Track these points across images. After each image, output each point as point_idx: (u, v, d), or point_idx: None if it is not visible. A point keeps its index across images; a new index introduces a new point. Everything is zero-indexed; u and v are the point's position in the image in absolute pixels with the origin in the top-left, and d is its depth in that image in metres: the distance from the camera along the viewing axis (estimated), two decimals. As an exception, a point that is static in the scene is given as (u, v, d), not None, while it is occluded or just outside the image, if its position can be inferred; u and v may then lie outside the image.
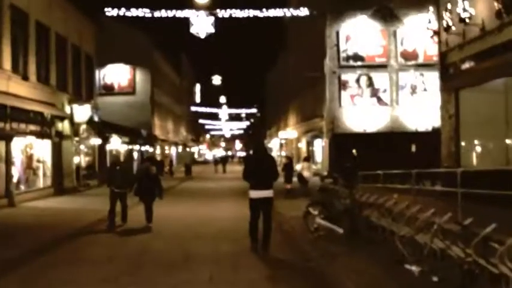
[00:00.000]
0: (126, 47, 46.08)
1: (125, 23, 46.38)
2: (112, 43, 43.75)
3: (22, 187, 20.74)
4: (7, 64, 19.24)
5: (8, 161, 18.86)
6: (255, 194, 9.99)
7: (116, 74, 48.72)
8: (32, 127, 21.28)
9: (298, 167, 22.00)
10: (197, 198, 22.68)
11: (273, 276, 8.33)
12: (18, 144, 20.30)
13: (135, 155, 42.49)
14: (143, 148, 44.73)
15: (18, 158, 20.42)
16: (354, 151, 32.19)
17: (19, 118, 19.87)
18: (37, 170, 22.38)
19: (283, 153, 57.72)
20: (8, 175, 18.83)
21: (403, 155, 29.59)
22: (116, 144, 33.97)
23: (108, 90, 48.28)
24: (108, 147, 33.03)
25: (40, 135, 22.11)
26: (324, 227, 10.63)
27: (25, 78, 20.52)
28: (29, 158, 21.66)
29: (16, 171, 20.07)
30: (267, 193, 9.96)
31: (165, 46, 58.31)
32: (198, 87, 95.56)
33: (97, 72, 45.28)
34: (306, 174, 21.27)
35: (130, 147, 40.15)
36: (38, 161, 22.40)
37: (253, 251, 9.93)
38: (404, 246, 7.63)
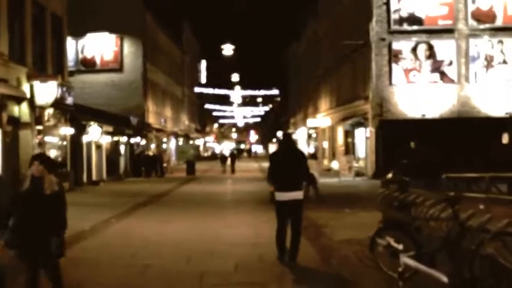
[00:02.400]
0: (111, 10, 43.34)
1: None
2: (93, 5, 41.49)
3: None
4: None
5: None
6: (281, 196, 10.06)
7: (97, 46, 46.07)
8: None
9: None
10: (201, 209, 19.47)
11: None
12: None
13: (122, 148, 39.81)
14: (133, 140, 42.05)
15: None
16: (412, 144, 29.50)
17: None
18: (-19, 171, 19.69)
19: (312, 147, 54.90)
20: None
21: (483, 149, 26.80)
22: (96, 134, 31.29)
23: (88, 66, 45.85)
24: (84, 138, 30.38)
25: (-16, 122, 19.42)
26: (411, 270, 7.69)
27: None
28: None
29: None
30: (296, 195, 10.07)
31: (162, 10, 55.43)
32: (203, 64, 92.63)
33: (74, 43, 43.44)
34: (316, 174, 20.58)
35: (115, 138, 37.50)
36: (-17, 157, 19.72)
37: (280, 262, 9.99)
38: None
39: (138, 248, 11.80)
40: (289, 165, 10.14)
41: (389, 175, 12.86)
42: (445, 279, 6.97)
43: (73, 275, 9.26)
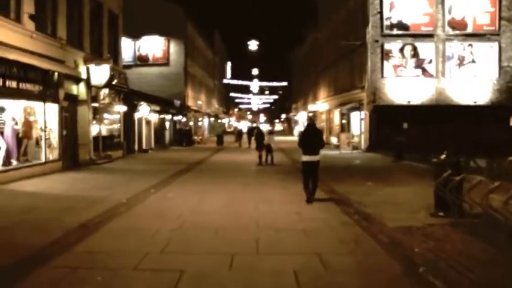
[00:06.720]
0: (161, 18, 38.94)
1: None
2: (147, 15, 37.12)
3: (14, 162, 13.73)
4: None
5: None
6: (306, 158, 10.28)
7: (150, 46, 41.38)
8: (29, 87, 14.17)
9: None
10: (232, 180, 14.59)
11: None
12: (8, 108, 13.31)
13: (167, 124, 35.42)
14: (176, 118, 37.65)
15: (8, 125, 13.43)
16: (405, 124, 25.01)
17: (7, 74, 12.78)
18: (40, 141, 15.35)
19: (270, 125, 50.10)
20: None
21: (467, 131, 22.36)
22: (145, 112, 26.92)
23: (143, 61, 41.32)
24: (136, 115, 26.02)
25: (41, 97, 14.99)
26: None
27: (16, 20, 13.29)
28: (28, 125, 14.56)
29: (2, 142, 13.09)
30: (315, 157, 10.25)
31: (199, 20, 50.60)
32: (229, 64, 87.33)
33: (132, 43, 39.10)
34: (272, 145, 20.17)
35: (162, 116, 33.09)
36: (41, 129, 15.35)
37: (308, 201, 9.94)
38: None
39: (172, 233, 7.25)
40: (311, 138, 10.35)
41: (443, 156, 8.27)
42: None
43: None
